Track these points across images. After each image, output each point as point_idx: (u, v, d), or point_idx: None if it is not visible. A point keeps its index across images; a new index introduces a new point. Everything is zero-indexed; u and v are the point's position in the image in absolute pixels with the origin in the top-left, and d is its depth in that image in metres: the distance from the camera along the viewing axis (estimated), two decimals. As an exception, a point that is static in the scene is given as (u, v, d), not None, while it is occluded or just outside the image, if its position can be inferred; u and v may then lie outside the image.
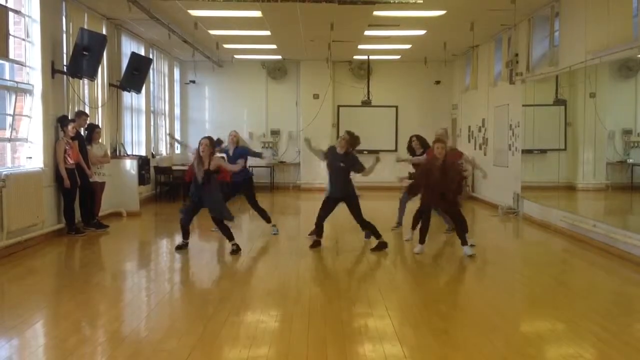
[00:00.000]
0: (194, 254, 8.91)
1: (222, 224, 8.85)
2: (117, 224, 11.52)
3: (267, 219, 10.67)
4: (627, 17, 8.62)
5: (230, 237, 8.84)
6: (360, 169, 9.11)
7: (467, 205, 14.66)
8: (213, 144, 8.79)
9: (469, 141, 17.03)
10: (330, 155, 9.22)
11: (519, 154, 12.92)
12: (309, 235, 9.74)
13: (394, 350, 4.86)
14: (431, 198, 8.76)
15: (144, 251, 9.66)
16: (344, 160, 9.02)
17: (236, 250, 8.75)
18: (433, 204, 8.89)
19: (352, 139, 9.18)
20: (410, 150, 10.76)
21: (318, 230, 9.17)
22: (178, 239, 9.13)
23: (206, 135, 9.20)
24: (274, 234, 10.51)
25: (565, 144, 12.05)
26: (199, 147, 8.62)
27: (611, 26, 9.10)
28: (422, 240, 8.80)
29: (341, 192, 9.04)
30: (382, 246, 9.01)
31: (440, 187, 8.56)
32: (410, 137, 10.83)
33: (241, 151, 10.52)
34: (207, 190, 8.61)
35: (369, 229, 9.21)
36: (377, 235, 9.09)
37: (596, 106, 10.29)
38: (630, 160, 10.61)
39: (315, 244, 9.11)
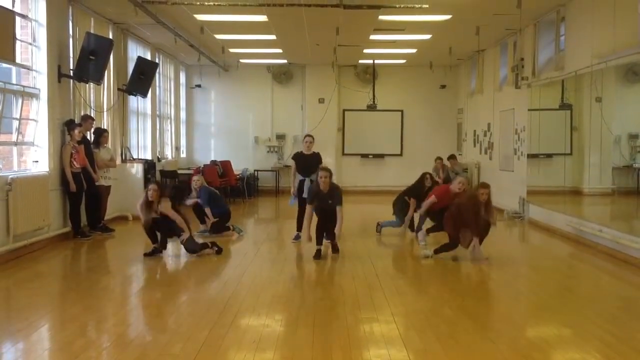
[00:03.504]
0: (199, 259, 8.91)
1: (196, 250, 8.92)
2: (123, 228, 11.54)
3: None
4: (633, 22, 8.59)
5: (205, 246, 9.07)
6: None
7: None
8: (161, 189, 8.84)
9: (475, 145, 17.02)
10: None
11: (525, 158, 12.90)
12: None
13: (400, 355, 4.85)
14: (467, 241, 8.57)
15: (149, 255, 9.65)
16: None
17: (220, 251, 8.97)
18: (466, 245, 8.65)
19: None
20: (421, 186, 10.59)
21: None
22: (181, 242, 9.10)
23: (155, 181, 9.62)
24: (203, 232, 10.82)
25: (571, 148, 12.03)
26: (147, 192, 8.69)
27: (617, 31, 9.09)
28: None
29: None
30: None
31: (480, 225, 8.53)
32: (424, 175, 10.76)
33: (203, 196, 10.81)
34: (163, 228, 8.78)
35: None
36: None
37: (602, 111, 10.28)
38: (637, 165, 10.59)
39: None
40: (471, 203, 8.48)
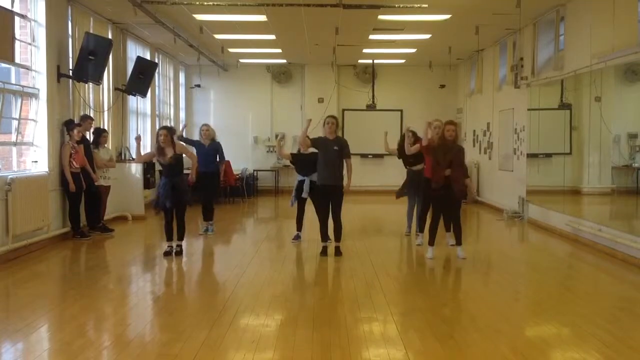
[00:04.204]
0: (198, 259, 8.92)
1: (182, 223, 8.92)
2: (123, 228, 11.55)
3: (210, 217, 10.91)
4: (632, 22, 8.60)
5: (181, 237, 8.97)
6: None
7: (472, 209, 14.66)
8: (172, 132, 8.89)
9: (474, 145, 17.02)
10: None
11: (524, 158, 12.90)
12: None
13: (399, 355, 4.85)
14: (439, 176, 8.47)
15: (149, 255, 9.68)
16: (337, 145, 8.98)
17: (180, 252, 8.91)
18: (441, 182, 8.49)
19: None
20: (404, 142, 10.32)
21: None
22: (182, 243, 9.11)
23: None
24: (204, 232, 10.77)
25: (571, 148, 12.03)
26: (158, 138, 8.73)
27: (616, 30, 9.09)
28: (431, 242, 8.75)
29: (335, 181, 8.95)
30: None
31: (448, 166, 8.46)
32: (406, 131, 10.11)
33: (217, 147, 10.78)
34: (175, 175, 8.74)
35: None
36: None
37: (601, 110, 10.27)
38: (636, 165, 10.58)
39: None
40: (439, 142, 8.57)
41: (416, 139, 9.88)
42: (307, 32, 13.36)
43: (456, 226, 8.74)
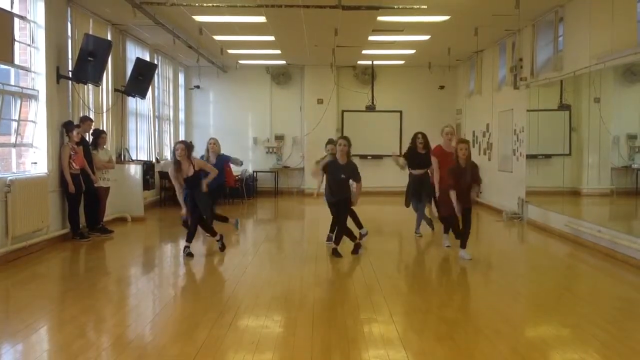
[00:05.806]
0: (198, 260, 8.91)
1: (194, 228, 9.00)
2: (122, 229, 11.54)
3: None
4: (631, 22, 8.61)
5: (213, 234, 9.20)
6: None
7: (472, 211, 14.65)
8: (189, 147, 8.90)
9: (474, 146, 16.99)
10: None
11: (524, 159, 12.90)
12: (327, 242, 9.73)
13: (399, 356, 4.85)
14: (463, 200, 8.55)
15: (149, 256, 9.68)
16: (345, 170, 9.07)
17: (222, 248, 9.14)
18: (465, 205, 8.60)
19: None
20: (413, 146, 10.39)
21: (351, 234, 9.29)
22: (182, 244, 9.11)
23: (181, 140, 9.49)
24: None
25: (570, 149, 12.04)
26: (174, 152, 8.78)
27: (615, 31, 9.09)
28: (446, 230, 9.08)
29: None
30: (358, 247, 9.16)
31: (468, 189, 8.54)
32: (416, 134, 10.45)
33: (225, 158, 10.76)
34: (196, 187, 8.83)
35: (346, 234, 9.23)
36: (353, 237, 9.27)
37: (601, 111, 10.28)
38: (635, 165, 10.59)
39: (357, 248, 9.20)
40: (456, 165, 8.55)
41: (426, 141, 10.09)
42: (306, 33, 13.36)
43: (466, 230, 8.74)
